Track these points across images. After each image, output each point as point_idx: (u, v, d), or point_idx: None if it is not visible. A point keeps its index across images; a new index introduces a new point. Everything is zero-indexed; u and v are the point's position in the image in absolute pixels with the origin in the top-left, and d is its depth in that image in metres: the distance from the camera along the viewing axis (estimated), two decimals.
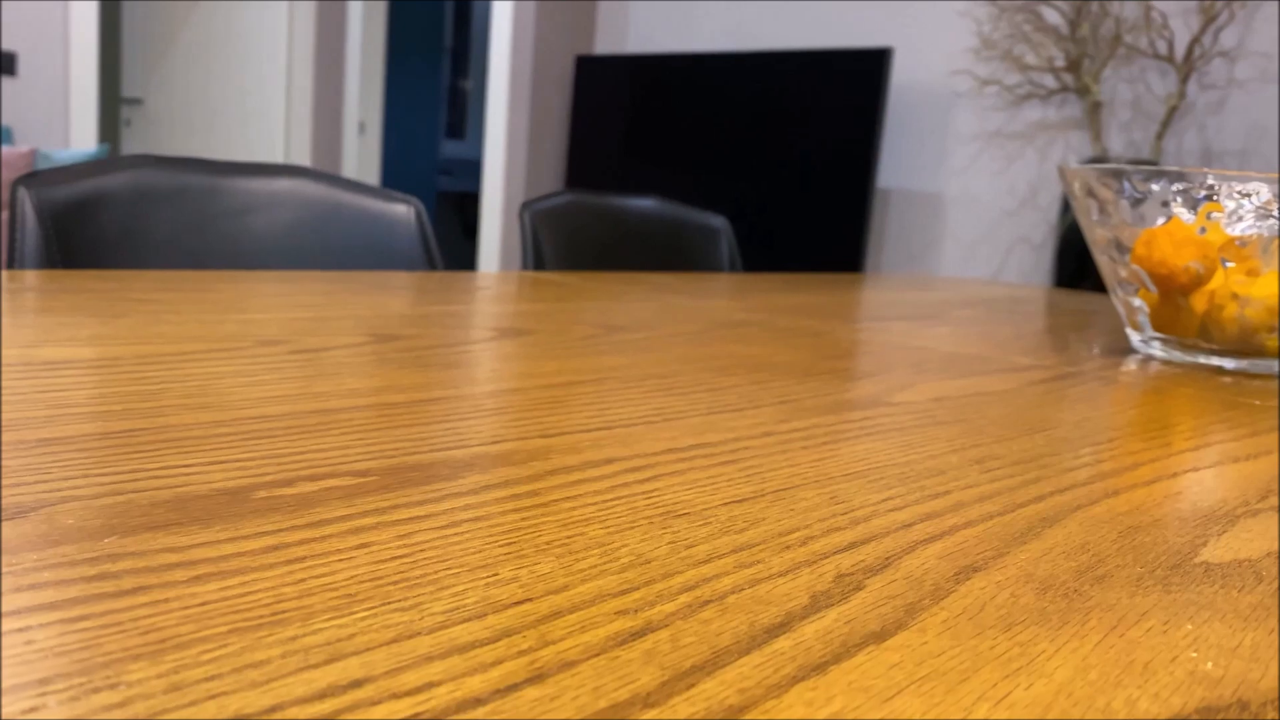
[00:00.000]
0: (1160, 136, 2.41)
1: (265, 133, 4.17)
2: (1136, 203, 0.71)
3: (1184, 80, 2.38)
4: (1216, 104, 2.45)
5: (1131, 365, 0.72)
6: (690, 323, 0.75)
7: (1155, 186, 0.70)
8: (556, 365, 0.53)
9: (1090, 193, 0.73)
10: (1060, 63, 2.63)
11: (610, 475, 0.33)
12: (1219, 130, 2.45)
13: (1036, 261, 2.59)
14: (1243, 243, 0.69)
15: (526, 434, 0.38)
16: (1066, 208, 2.44)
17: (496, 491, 0.30)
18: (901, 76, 2.88)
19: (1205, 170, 0.67)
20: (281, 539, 0.25)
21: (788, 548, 0.28)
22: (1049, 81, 2.65)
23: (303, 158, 4.15)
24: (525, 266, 1.06)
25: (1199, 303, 0.72)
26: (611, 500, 0.30)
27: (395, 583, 0.23)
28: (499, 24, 3.57)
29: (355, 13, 4.06)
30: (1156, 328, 0.75)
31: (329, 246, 0.88)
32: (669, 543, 0.27)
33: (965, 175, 2.81)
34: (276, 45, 4.08)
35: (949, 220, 2.84)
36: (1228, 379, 0.70)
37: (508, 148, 3.59)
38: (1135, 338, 0.78)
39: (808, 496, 0.33)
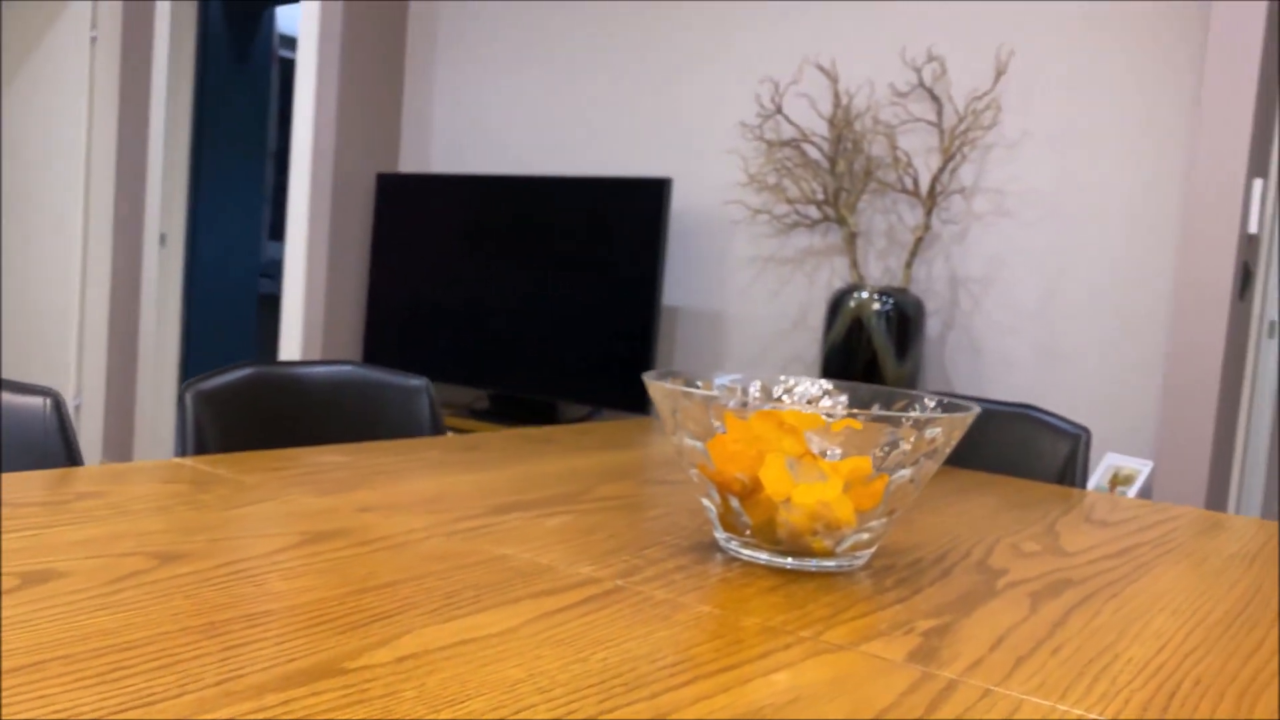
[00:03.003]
0: (909, 264, 2.58)
1: (62, 246, 4.03)
2: (690, 413, 0.77)
3: (928, 213, 2.57)
4: (959, 235, 2.65)
5: (700, 568, 0.77)
6: (268, 538, 0.76)
7: (701, 401, 0.76)
8: (28, 639, 0.53)
9: (662, 403, 0.79)
10: (821, 195, 2.81)
11: None
12: (963, 259, 2.65)
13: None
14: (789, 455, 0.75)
15: None
16: (830, 328, 2.58)
17: None
18: (682, 204, 3.02)
19: (745, 390, 0.73)
20: None
21: None
22: (813, 212, 2.83)
23: (102, 271, 4.02)
24: (184, 454, 1.06)
25: (754, 508, 0.78)
26: None
27: None
28: (299, 139, 3.57)
29: (158, 122, 4.00)
30: (725, 529, 0.81)
31: None
32: None
33: (744, 296, 2.94)
34: (75, 156, 3.97)
35: (732, 338, 2.96)
36: (780, 579, 0.75)
37: (308, 260, 3.57)
38: (719, 535, 0.83)
39: None
